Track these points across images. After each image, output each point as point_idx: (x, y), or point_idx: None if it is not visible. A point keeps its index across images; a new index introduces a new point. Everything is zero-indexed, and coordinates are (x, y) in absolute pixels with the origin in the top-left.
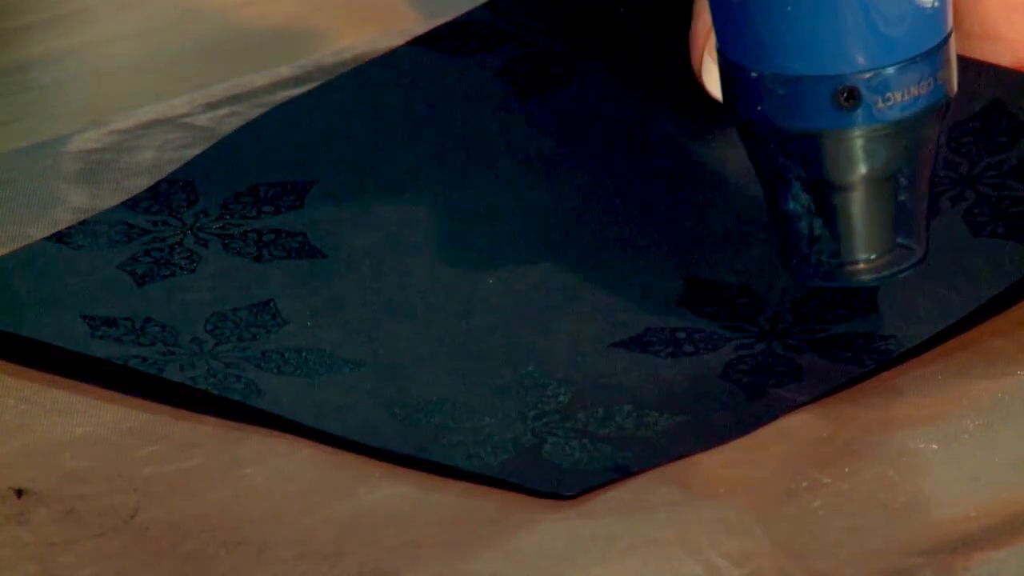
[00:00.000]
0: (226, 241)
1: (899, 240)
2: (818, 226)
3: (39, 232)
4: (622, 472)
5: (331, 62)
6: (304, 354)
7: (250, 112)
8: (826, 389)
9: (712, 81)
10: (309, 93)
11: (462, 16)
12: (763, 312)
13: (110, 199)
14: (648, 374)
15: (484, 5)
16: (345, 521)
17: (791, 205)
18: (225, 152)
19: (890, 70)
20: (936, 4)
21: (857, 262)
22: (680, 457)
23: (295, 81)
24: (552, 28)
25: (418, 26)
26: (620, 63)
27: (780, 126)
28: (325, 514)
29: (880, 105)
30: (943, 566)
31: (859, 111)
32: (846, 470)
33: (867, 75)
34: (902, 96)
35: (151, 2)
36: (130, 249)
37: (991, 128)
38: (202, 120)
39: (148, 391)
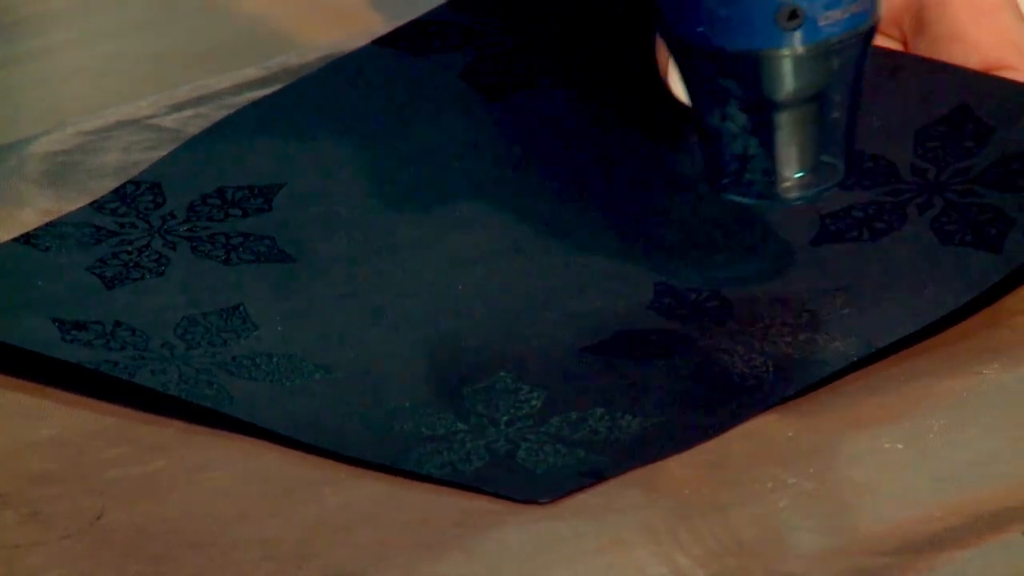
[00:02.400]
0: (194, 244)
1: (824, 158)
2: (752, 145)
3: (6, 234)
4: (596, 476)
5: (296, 63)
6: (275, 359)
7: (216, 113)
8: (794, 390)
9: (676, 83)
10: (274, 95)
11: (424, 15)
12: (731, 315)
13: (76, 201)
14: (619, 378)
15: (446, 4)
16: (311, 522)
17: (726, 125)
18: (191, 154)
19: None
20: None
21: (788, 179)
22: (653, 460)
23: (261, 82)
24: (515, 26)
25: (383, 27)
26: (584, 62)
27: (722, 46)
28: (291, 515)
29: (821, 23)
30: (908, 566)
31: (801, 30)
32: (811, 470)
33: None
34: (840, 14)
35: (116, 5)
36: (98, 251)
37: (958, 132)
38: (168, 122)
39: (118, 394)
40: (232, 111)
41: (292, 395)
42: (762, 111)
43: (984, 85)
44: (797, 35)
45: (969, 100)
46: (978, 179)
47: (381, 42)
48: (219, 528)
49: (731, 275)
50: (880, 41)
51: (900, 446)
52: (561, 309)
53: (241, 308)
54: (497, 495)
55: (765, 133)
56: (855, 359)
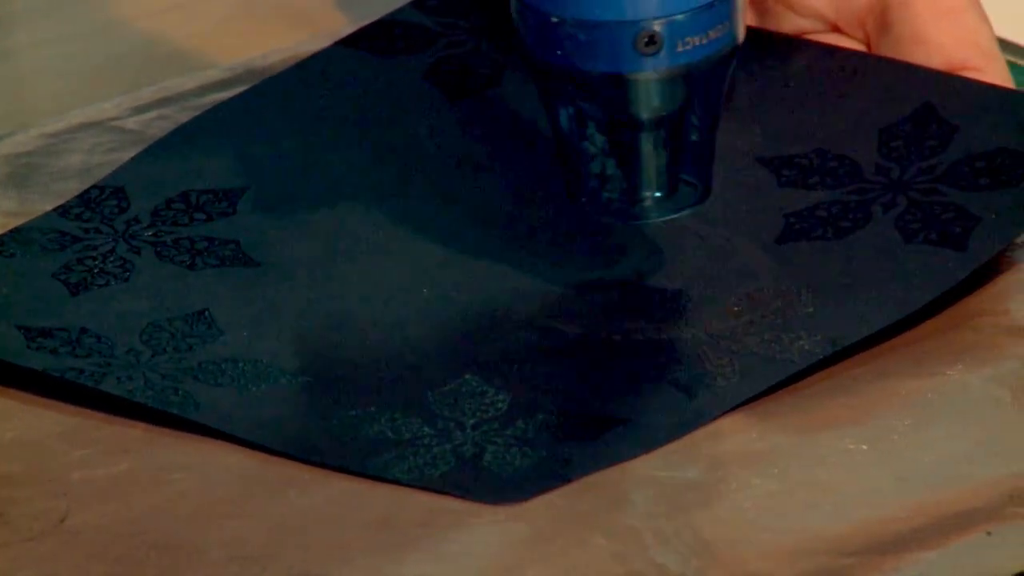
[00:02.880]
0: (159, 249)
1: (684, 177)
2: (610, 165)
3: None
4: (563, 479)
5: (260, 65)
6: (241, 365)
7: (179, 115)
8: (761, 389)
9: None
10: (237, 97)
11: (388, 16)
12: (698, 315)
13: (39, 203)
14: (585, 379)
15: (411, 4)
16: (275, 524)
17: (584, 145)
18: (155, 158)
19: (689, 15)
20: None
21: (646, 199)
22: (620, 461)
23: (224, 84)
24: (479, 27)
25: (347, 28)
26: None
27: (581, 69)
28: (255, 517)
29: (679, 48)
30: (873, 566)
31: (658, 55)
32: (776, 471)
33: (667, 20)
34: (699, 40)
35: (79, 6)
36: (63, 257)
37: (921, 132)
38: (131, 123)
39: (81, 396)
40: (196, 113)
41: (258, 401)
42: (621, 133)
43: (947, 85)
44: (655, 60)
45: (932, 100)
46: (942, 178)
47: (345, 43)
48: (184, 529)
49: (698, 274)
50: (844, 42)
51: (865, 447)
52: (526, 311)
53: (206, 313)
54: (464, 498)
55: (623, 154)
56: (821, 357)
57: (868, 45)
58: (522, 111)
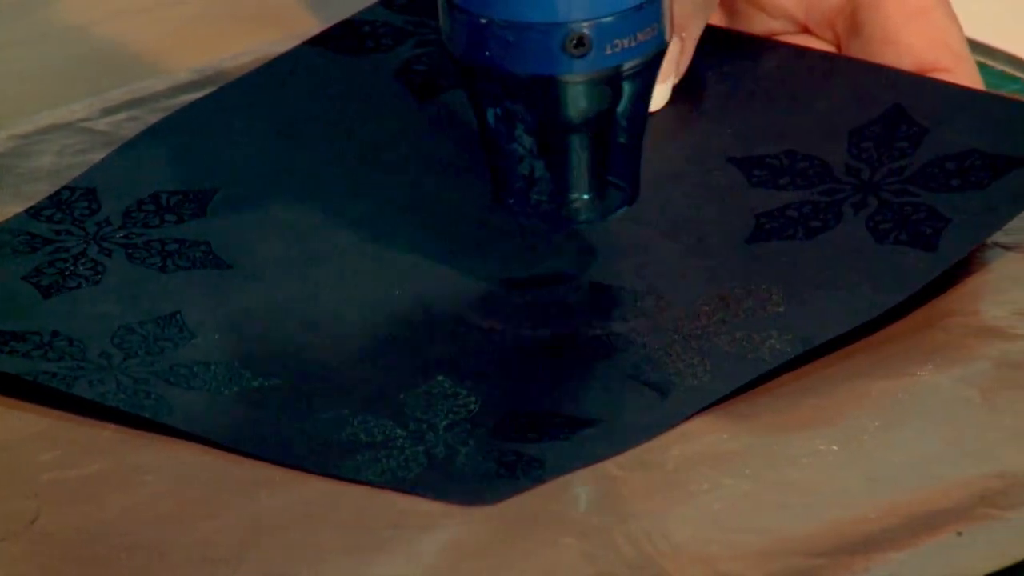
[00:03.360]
0: (130, 251)
1: (613, 180)
2: (538, 167)
3: None
4: (536, 480)
5: (230, 66)
6: (213, 367)
7: (149, 116)
8: (732, 388)
9: None
10: (207, 98)
11: (356, 15)
12: (670, 314)
13: (9, 204)
14: (557, 379)
15: (379, 3)
16: (246, 525)
17: (512, 147)
18: (125, 159)
19: (617, 17)
20: None
21: (574, 201)
22: (593, 462)
23: (194, 85)
24: None
25: (317, 29)
26: None
27: (509, 71)
28: (226, 518)
29: (608, 51)
30: (843, 566)
31: (587, 57)
32: (747, 471)
33: (595, 22)
34: (627, 43)
35: (47, 8)
36: (34, 260)
37: (892, 133)
38: (101, 125)
39: (52, 397)
40: (166, 114)
41: (230, 404)
42: (548, 134)
43: (917, 87)
44: (584, 62)
45: (903, 101)
46: (912, 179)
47: (313, 42)
48: (156, 530)
49: (667, 273)
50: (813, 43)
51: (835, 447)
52: (499, 311)
53: (178, 316)
54: (437, 500)
55: (551, 155)
56: (792, 357)
57: (838, 46)
58: None
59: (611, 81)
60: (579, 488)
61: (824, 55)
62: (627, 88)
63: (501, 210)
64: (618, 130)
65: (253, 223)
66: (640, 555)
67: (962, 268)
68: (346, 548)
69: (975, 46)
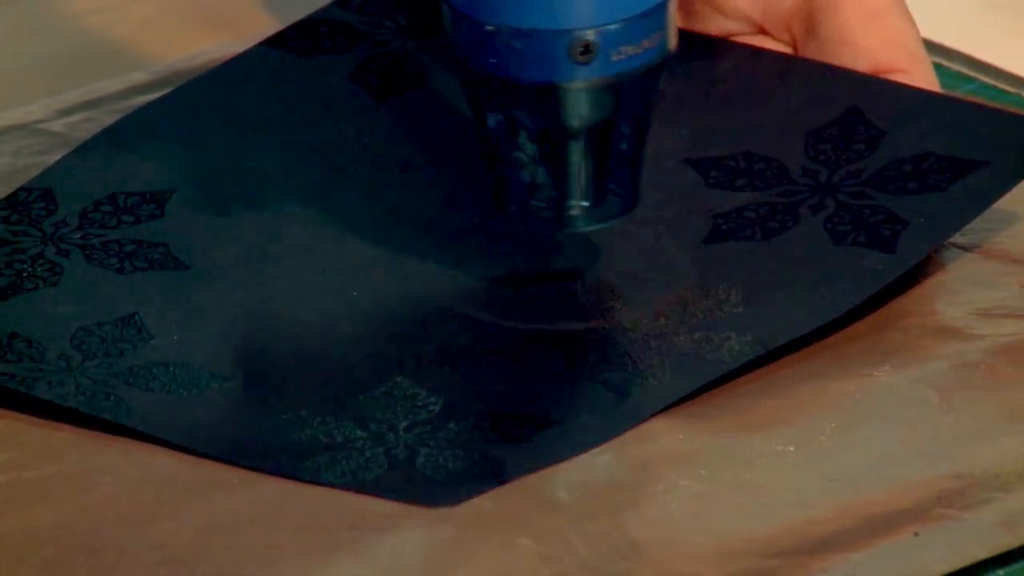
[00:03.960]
0: (88, 252)
1: (611, 187)
2: (540, 174)
3: None
4: (496, 481)
5: (186, 67)
6: (172, 369)
7: (105, 118)
8: (691, 389)
9: None
10: (164, 99)
11: (312, 15)
12: (629, 315)
13: None
14: (516, 381)
15: (335, 3)
16: (203, 526)
17: (515, 154)
18: (82, 159)
19: (623, 24)
20: None
21: (574, 208)
22: (552, 463)
23: (150, 86)
24: (404, 26)
25: (272, 29)
26: None
27: (515, 78)
28: (183, 520)
29: (614, 57)
30: (800, 567)
31: (593, 64)
32: (703, 472)
33: (601, 29)
34: (633, 49)
35: (2, 8)
36: None
37: (849, 135)
38: (57, 126)
39: (6, 398)
40: (122, 115)
41: (189, 405)
42: (551, 141)
43: (874, 88)
44: (590, 68)
45: (859, 103)
46: (870, 181)
47: (269, 43)
48: (112, 532)
49: (626, 272)
50: (770, 44)
51: (792, 448)
52: (456, 312)
53: (136, 317)
54: (397, 501)
55: (554, 163)
56: (751, 358)
57: (794, 48)
58: (448, 111)
59: (615, 88)
60: (535, 489)
61: (780, 56)
62: (630, 96)
63: (502, 218)
64: (619, 137)
65: (211, 224)
66: (597, 556)
67: (919, 269)
68: (302, 549)
69: (931, 47)
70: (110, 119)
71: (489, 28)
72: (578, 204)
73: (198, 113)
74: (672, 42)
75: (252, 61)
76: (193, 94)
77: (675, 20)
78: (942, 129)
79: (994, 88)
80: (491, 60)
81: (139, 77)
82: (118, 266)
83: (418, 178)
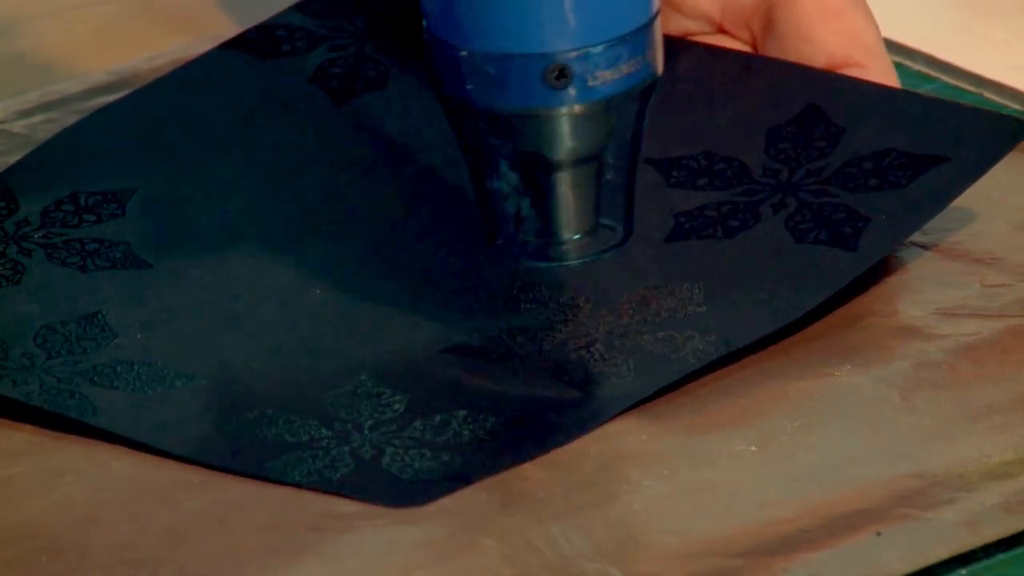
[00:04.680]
0: (49, 251)
1: (602, 220)
2: (525, 206)
3: None
4: (463, 480)
5: (146, 68)
6: (136, 367)
7: (66, 119)
8: (656, 388)
9: None
10: (124, 98)
11: (272, 19)
12: (592, 313)
13: None
14: (480, 378)
15: (294, 7)
16: (165, 527)
17: (497, 184)
18: (43, 159)
19: (600, 48)
20: None
21: (563, 242)
22: (518, 462)
23: (110, 87)
24: (363, 29)
25: (231, 31)
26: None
27: (490, 105)
28: (145, 521)
29: (590, 83)
30: (762, 567)
31: (569, 89)
32: (665, 472)
33: (577, 53)
34: (611, 74)
35: None
36: None
37: (808, 133)
38: (17, 127)
39: None
40: (82, 116)
41: (154, 404)
42: (534, 171)
43: (833, 85)
44: (566, 94)
45: (819, 101)
46: (831, 179)
47: (228, 46)
48: (74, 533)
49: (587, 270)
50: (729, 43)
51: (754, 448)
52: (419, 311)
53: (99, 316)
54: (364, 501)
55: (537, 194)
56: (714, 357)
57: (754, 46)
58: (407, 113)
59: (596, 116)
60: (498, 489)
61: (740, 55)
62: (613, 123)
63: (491, 252)
64: (606, 167)
65: (173, 222)
66: (559, 556)
67: (881, 268)
68: (264, 550)
69: (892, 46)
70: (71, 120)
71: (463, 53)
72: (568, 237)
73: (159, 114)
74: (658, 66)
75: (212, 63)
76: (153, 95)
77: (660, 43)
78: (902, 125)
79: (955, 87)
80: (467, 87)
81: (100, 78)
82: (80, 264)
83: (378, 179)
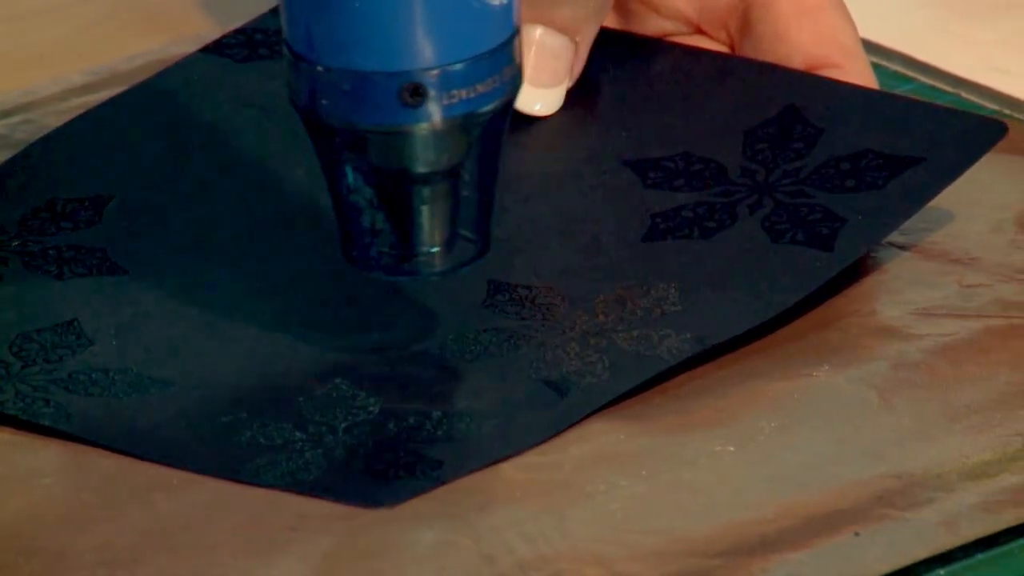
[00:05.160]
0: (26, 259)
1: (461, 232)
2: (379, 219)
3: None
4: (436, 481)
5: (124, 68)
6: (111, 374)
7: (44, 119)
8: (630, 386)
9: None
10: (102, 105)
11: (250, 24)
12: (567, 312)
13: None
14: (455, 378)
15: (271, 11)
16: (144, 528)
17: (353, 198)
18: (19, 166)
19: (456, 67)
20: (504, 2)
21: (418, 255)
22: (492, 462)
23: (88, 88)
24: None
25: (210, 31)
26: None
27: (346, 120)
28: (123, 522)
29: (446, 101)
30: (741, 567)
31: (424, 107)
32: (643, 473)
33: (433, 72)
34: (468, 93)
35: None
36: None
37: (786, 134)
38: None
39: None
40: (60, 116)
41: (130, 410)
42: (387, 186)
43: (810, 86)
44: (422, 112)
45: (796, 102)
46: (808, 180)
47: (207, 50)
48: (53, 534)
49: (564, 270)
50: (706, 43)
51: (731, 448)
52: (395, 311)
53: (75, 323)
54: (337, 502)
55: (392, 208)
56: (690, 355)
57: (731, 47)
58: None
59: (451, 132)
60: (475, 489)
61: (717, 56)
62: (468, 139)
63: (347, 264)
64: (462, 182)
65: (149, 228)
66: (537, 556)
67: (858, 268)
68: (243, 551)
69: (870, 47)
70: (49, 121)
71: (320, 69)
72: (425, 251)
73: (136, 120)
74: (517, 83)
75: (190, 68)
76: (131, 101)
77: (519, 62)
78: (879, 126)
79: (933, 88)
80: (323, 102)
81: (77, 79)
82: (56, 272)
83: None
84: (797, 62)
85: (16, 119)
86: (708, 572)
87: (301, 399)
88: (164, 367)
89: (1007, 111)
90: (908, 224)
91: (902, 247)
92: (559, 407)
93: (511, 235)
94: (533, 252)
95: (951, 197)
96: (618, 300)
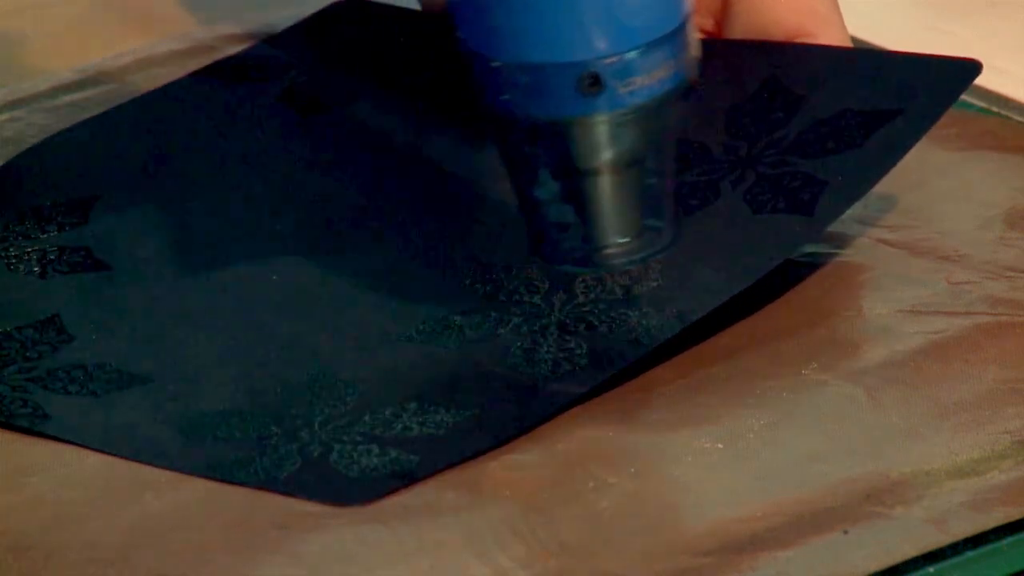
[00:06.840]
0: (11, 263)
1: (649, 222)
2: (567, 212)
3: None
4: (408, 478)
5: (113, 66)
6: (90, 370)
7: (31, 117)
8: (608, 374)
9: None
10: (93, 118)
11: (243, 51)
12: (543, 296)
13: None
14: (433, 367)
15: (264, 41)
16: (132, 526)
17: (539, 192)
18: (5, 177)
19: (631, 55)
20: None
21: (607, 247)
22: (468, 457)
23: (76, 85)
24: (331, 60)
25: (198, 29)
26: (401, 91)
27: (525, 114)
28: (111, 520)
29: (622, 90)
30: (730, 565)
31: (603, 97)
32: (632, 470)
33: (609, 60)
34: (644, 80)
35: None
36: None
37: (767, 106)
38: None
39: None
40: (48, 114)
41: (106, 408)
42: (572, 178)
43: (788, 55)
44: (600, 101)
45: (776, 72)
46: (790, 149)
47: (198, 74)
48: (40, 532)
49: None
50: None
51: (720, 446)
52: (374, 301)
53: (56, 319)
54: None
55: (579, 200)
56: (668, 336)
57: (718, 28)
58: (371, 124)
59: (630, 122)
60: (465, 487)
61: (699, 42)
62: (647, 128)
63: (537, 261)
64: (645, 171)
65: (133, 225)
66: (527, 554)
67: (846, 267)
68: (231, 549)
69: (858, 44)
70: (36, 118)
71: (496, 64)
72: (612, 242)
73: (125, 131)
74: (690, 71)
75: (181, 88)
76: (121, 115)
77: (692, 48)
78: (856, 84)
79: None
80: (502, 97)
81: (66, 76)
82: (40, 272)
83: (341, 175)
84: (775, 35)
85: (3, 117)
86: (697, 570)
87: (280, 392)
88: (143, 362)
89: (994, 108)
90: (897, 221)
91: (892, 244)
92: (536, 399)
93: (490, 218)
94: (513, 233)
95: (940, 194)
96: (597, 280)
